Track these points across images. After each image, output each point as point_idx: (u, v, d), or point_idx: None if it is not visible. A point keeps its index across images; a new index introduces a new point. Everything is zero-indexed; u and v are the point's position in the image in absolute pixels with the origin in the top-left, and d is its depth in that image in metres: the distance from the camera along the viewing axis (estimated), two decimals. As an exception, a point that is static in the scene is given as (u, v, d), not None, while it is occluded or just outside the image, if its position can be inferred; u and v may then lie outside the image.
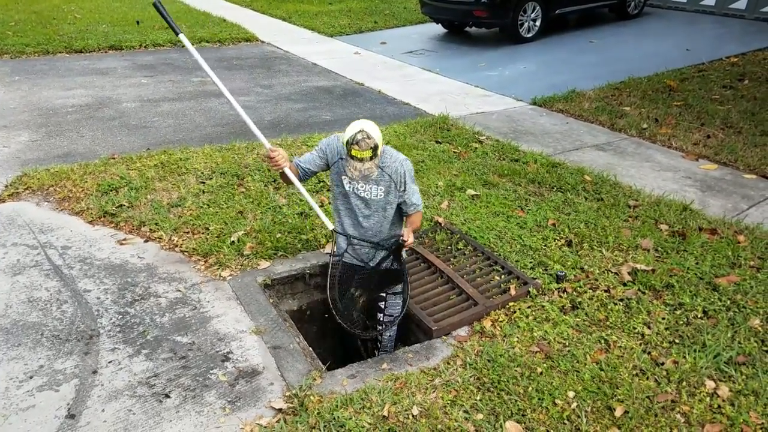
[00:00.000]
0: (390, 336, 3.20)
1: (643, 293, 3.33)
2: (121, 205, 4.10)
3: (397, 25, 11.84)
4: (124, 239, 3.77)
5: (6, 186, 4.36)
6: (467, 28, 10.92)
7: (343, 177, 2.84)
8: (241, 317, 3.12)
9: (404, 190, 2.83)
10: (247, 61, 8.95)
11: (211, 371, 2.70)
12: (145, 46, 9.49)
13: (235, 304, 3.22)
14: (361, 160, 2.56)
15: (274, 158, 2.73)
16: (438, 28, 11.21)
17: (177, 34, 2.77)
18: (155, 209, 4.08)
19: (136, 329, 2.95)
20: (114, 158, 4.91)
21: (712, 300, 3.22)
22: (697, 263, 3.56)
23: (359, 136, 2.53)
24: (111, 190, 4.30)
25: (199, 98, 6.98)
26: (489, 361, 2.79)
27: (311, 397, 2.53)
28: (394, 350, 3.25)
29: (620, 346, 2.93)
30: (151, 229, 3.87)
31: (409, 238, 2.83)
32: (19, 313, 2.99)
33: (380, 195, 2.82)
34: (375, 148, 2.56)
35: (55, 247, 3.61)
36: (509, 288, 3.38)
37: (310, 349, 2.99)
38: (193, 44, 10.35)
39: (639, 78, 7.66)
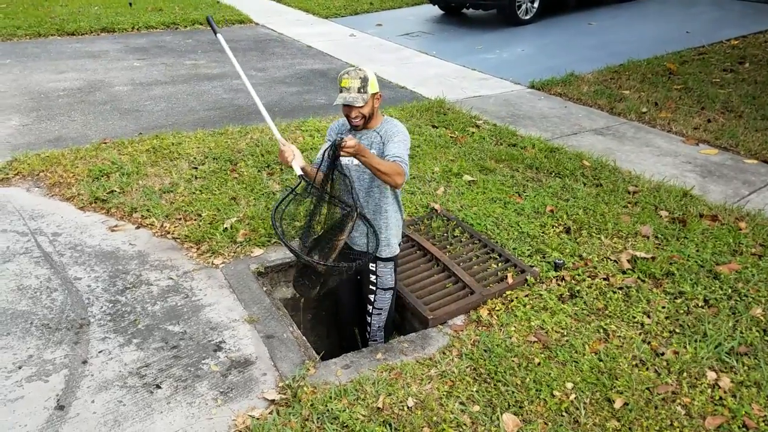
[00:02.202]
0: (380, 327, 3.14)
1: (643, 281, 3.29)
2: (112, 191, 4.02)
3: (393, 6, 11.66)
4: (116, 226, 3.70)
5: (-5, 171, 4.29)
6: (464, 10, 10.75)
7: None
8: (234, 306, 3.07)
9: (388, 144, 2.64)
10: (240, 44, 8.80)
11: (203, 361, 2.66)
12: (137, 29, 9.33)
13: (227, 293, 3.17)
14: (348, 89, 2.52)
15: (282, 152, 2.63)
16: (435, 10, 11.03)
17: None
18: (147, 195, 4.01)
19: (127, 318, 2.90)
20: (105, 143, 4.82)
21: (713, 288, 3.18)
22: (697, 251, 3.52)
23: (350, 68, 2.58)
24: (102, 176, 4.22)
25: (192, 81, 6.86)
26: (485, 351, 2.75)
27: (304, 388, 2.49)
28: (387, 339, 3.20)
29: (619, 336, 2.89)
30: (142, 216, 3.80)
31: (350, 149, 2.37)
32: (8, 302, 2.93)
33: None
34: (364, 81, 2.52)
35: (45, 234, 3.54)
36: (506, 276, 3.34)
37: (304, 338, 2.94)
38: (186, 27, 10.18)
39: (638, 61, 7.55)
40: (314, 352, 2.82)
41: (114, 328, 2.82)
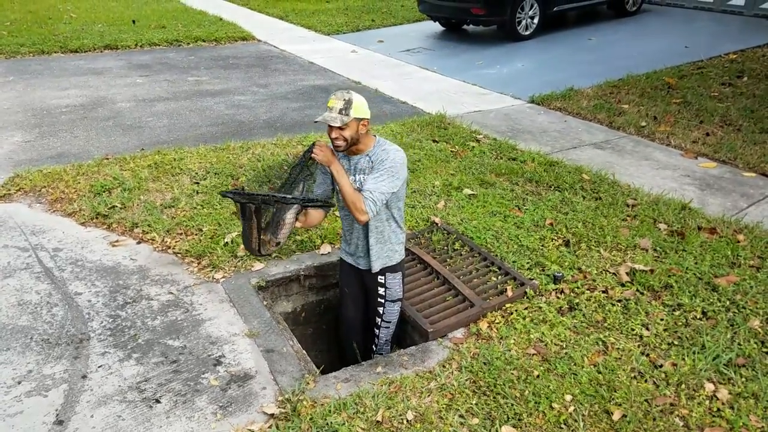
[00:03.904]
0: (387, 340, 3.15)
1: (642, 294, 3.29)
2: (113, 206, 4.06)
3: (394, 23, 11.78)
4: (117, 241, 3.72)
5: (-2, 187, 4.33)
6: (465, 26, 10.87)
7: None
8: (234, 320, 3.07)
9: (372, 174, 2.65)
10: (243, 60, 8.90)
11: (202, 375, 2.66)
12: (141, 46, 9.44)
13: (228, 307, 3.18)
14: (330, 108, 2.55)
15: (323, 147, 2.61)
16: (435, 26, 11.16)
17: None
18: (148, 210, 4.04)
19: (127, 333, 2.91)
20: (107, 159, 4.86)
21: (712, 300, 3.18)
22: (696, 263, 3.52)
23: (339, 91, 2.62)
24: (104, 191, 4.26)
25: (194, 98, 6.93)
26: (485, 363, 2.75)
27: (304, 402, 2.49)
28: (390, 352, 3.21)
29: (618, 348, 2.89)
30: (143, 231, 3.82)
31: (320, 153, 2.55)
32: (8, 317, 2.95)
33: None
34: (348, 103, 2.54)
35: (46, 249, 3.56)
36: (506, 289, 3.34)
37: (304, 352, 2.95)
38: (189, 43, 10.27)
39: (637, 75, 7.60)
40: (314, 365, 2.82)
41: (114, 343, 2.83)
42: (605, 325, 3.08)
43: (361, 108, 2.57)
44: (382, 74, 8.19)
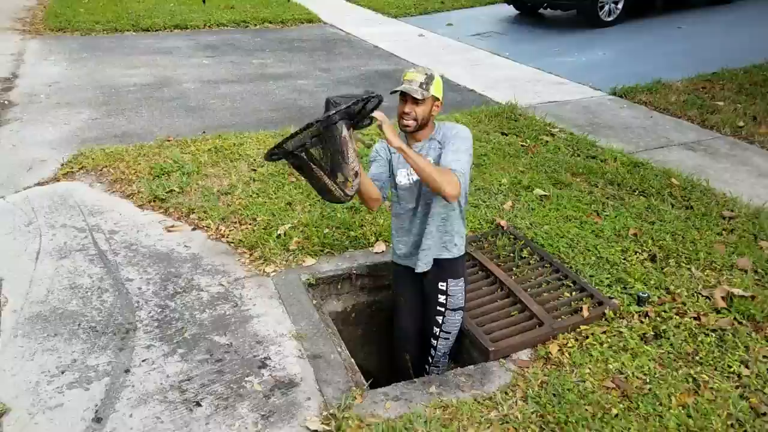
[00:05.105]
0: (445, 353, 2.89)
1: (741, 324, 2.86)
2: (171, 190, 3.99)
3: (465, 5, 11.33)
4: (172, 226, 3.64)
5: (62, 165, 4.35)
6: (541, 10, 10.24)
7: (397, 172, 2.57)
8: (282, 319, 2.90)
9: (444, 151, 2.41)
10: (307, 43, 8.77)
11: (246, 378, 2.50)
12: (209, 26, 9.50)
13: (276, 304, 3.02)
14: (410, 81, 2.35)
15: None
16: (509, 10, 10.58)
17: None
18: (205, 196, 3.94)
19: (174, 325, 2.80)
20: (169, 140, 4.82)
21: (830, 339, 2.71)
22: (809, 292, 3.04)
23: (416, 66, 2.47)
24: (163, 174, 4.20)
25: (257, 81, 6.85)
26: (555, 395, 2.43)
27: (349, 422, 2.27)
28: (447, 366, 2.96)
29: (712, 388, 2.50)
30: (199, 217, 3.73)
31: (385, 122, 2.23)
32: (59, 300, 2.90)
33: None
34: (429, 78, 2.37)
35: (102, 231, 3.53)
36: (581, 308, 2.99)
37: (352, 360, 2.73)
38: (256, 25, 10.30)
39: (734, 69, 6.87)
40: (362, 377, 2.60)
41: (160, 336, 2.72)
42: (697, 358, 2.69)
43: (439, 86, 2.42)
44: (449, 60, 7.82)
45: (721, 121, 5.58)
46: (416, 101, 2.35)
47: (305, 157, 2.14)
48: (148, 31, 9.03)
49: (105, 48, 7.99)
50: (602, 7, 8.96)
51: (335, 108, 2.09)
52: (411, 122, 2.39)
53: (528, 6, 10.14)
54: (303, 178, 2.33)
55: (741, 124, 5.52)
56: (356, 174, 2.19)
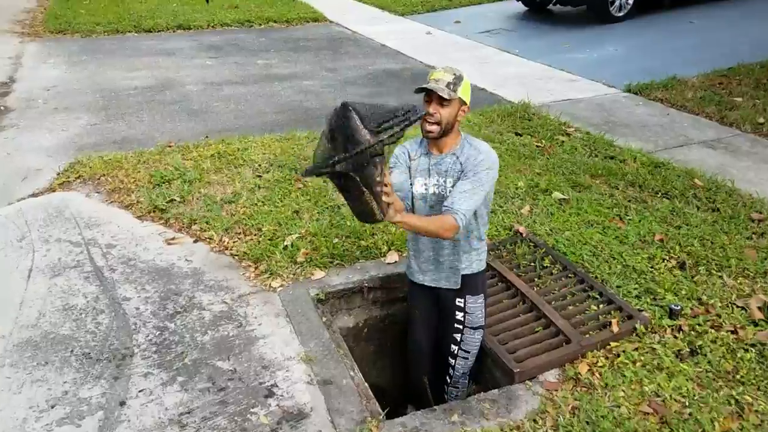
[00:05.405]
0: (464, 373, 2.70)
1: (783, 338, 2.65)
2: (172, 200, 3.80)
3: (472, 2, 11.09)
4: (173, 238, 3.46)
5: (58, 174, 4.17)
6: (550, 6, 9.99)
7: (414, 180, 2.37)
8: (290, 339, 2.71)
9: (462, 178, 2.21)
10: (313, 42, 8.57)
11: (252, 409, 2.31)
12: (212, 26, 9.32)
13: (284, 322, 2.83)
14: (437, 80, 2.16)
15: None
16: (517, 6, 10.35)
17: None
18: (207, 205, 3.75)
19: (174, 350, 2.61)
20: (170, 146, 4.64)
21: None
22: None
23: (444, 65, 2.26)
24: (164, 182, 4.01)
25: (262, 82, 6.65)
26: (588, 423, 2.23)
27: (366, 458, 2.08)
28: (467, 387, 2.77)
29: (757, 411, 2.30)
30: (201, 228, 3.54)
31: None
32: (51, 324, 2.72)
33: (448, 189, 2.29)
34: (458, 78, 2.18)
35: (99, 245, 3.34)
36: (610, 322, 2.78)
37: (366, 385, 2.54)
38: (260, 24, 10.05)
39: (750, 64, 6.64)
40: (377, 405, 2.41)
41: (158, 362, 2.53)
42: (737, 377, 2.49)
43: (467, 89, 2.23)
44: (458, 57, 7.60)
45: (740, 117, 5.35)
46: (442, 102, 2.15)
47: (359, 179, 1.86)
48: (151, 32, 8.85)
49: (106, 50, 7.82)
50: (612, 3, 8.72)
51: (374, 123, 1.82)
52: (434, 127, 2.19)
53: (537, 2, 9.90)
54: (342, 198, 2.05)
55: (761, 120, 5.29)
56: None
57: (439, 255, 2.47)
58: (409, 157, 2.39)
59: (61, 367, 2.47)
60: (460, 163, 2.25)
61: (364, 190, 1.87)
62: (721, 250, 3.33)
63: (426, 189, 2.36)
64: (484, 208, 2.41)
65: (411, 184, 2.40)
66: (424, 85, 2.17)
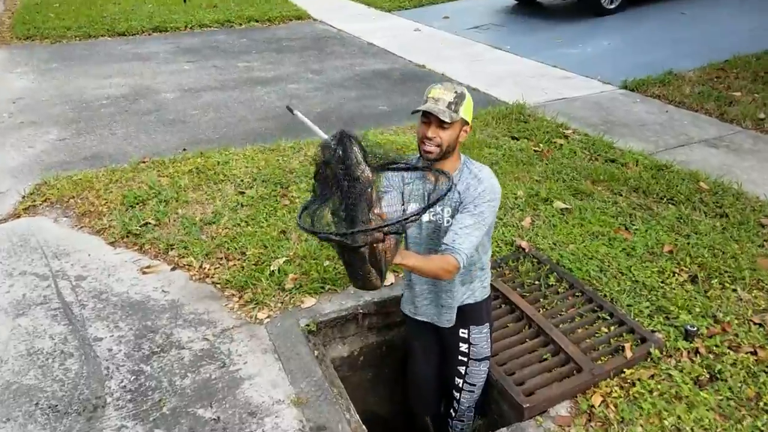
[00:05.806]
0: (470, 406, 2.50)
1: (808, 359, 2.48)
2: (147, 223, 3.53)
3: (460, -4, 10.83)
4: (148, 266, 3.20)
5: (23, 197, 3.86)
6: (540, -1, 9.79)
7: (408, 206, 2.14)
8: (279, 380, 2.49)
9: (462, 211, 2.01)
10: (297, 42, 8.28)
11: (237, 466, 2.09)
12: (190, 27, 8.98)
13: (272, 360, 2.60)
14: (436, 99, 1.94)
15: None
16: (506, 0, 10.13)
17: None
18: (186, 228, 3.50)
19: (151, 397, 2.37)
20: (144, 162, 4.35)
21: None
22: None
23: (443, 82, 2.08)
24: (138, 203, 3.74)
25: (243, 87, 6.37)
26: (608, 469, 2.04)
27: None
28: (473, 420, 2.57)
29: (786, 445, 2.11)
30: (179, 254, 3.28)
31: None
32: (14, 373, 2.46)
33: (447, 220, 2.09)
34: (460, 97, 1.96)
35: (68, 278, 3.08)
36: (623, 346, 2.59)
37: (364, 428, 2.33)
38: (241, 24, 9.67)
39: (746, 56, 6.47)
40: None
41: (134, 412, 2.29)
42: (761, 405, 2.32)
43: (469, 108, 2.01)
44: (449, 55, 7.37)
45: (740, 113, 5.19)
46: (442, 124, 1.93)
47: (365, 250, 1.63)
48: (125, 35, 8.49)
49: (77, 56, 7.46)
50: (604, -6, 8.54)
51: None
52: (434, 149, 1.97)
53: (525, -6, 9.69)
54: (342, 262, 1.80)
55: (762, 116, 5.15)
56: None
57: (436, 287, 2.26)
58: (403, 181, 2.17)
59: (24, 423, 2.22)
60: (459, 192, 2.03)
61: (368, 260, 1.65)
62: (733, 261, 3.16)
63: (422, 217, 2.13)
64: (486, 237, 2.19)
65: (404, 210, 2.18)
66: (421, 107, 1.94)
